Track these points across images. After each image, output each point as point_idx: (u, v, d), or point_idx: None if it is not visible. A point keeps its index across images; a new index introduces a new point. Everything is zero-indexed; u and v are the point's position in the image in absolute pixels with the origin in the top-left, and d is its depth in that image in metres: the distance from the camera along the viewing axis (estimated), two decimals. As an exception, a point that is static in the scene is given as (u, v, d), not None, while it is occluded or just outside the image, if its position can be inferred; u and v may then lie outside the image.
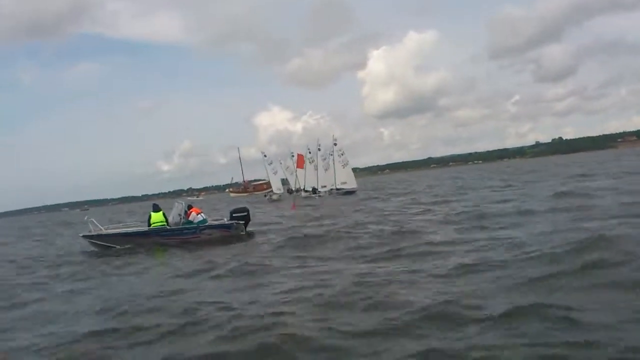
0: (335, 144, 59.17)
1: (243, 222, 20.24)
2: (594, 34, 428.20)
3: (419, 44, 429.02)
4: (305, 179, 62.61)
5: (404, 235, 15.48)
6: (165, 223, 19.55)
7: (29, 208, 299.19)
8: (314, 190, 58.67)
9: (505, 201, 23.54)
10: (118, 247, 18.96)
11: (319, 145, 61.48)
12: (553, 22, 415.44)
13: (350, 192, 55.37)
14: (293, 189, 64.00)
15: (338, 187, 57.27)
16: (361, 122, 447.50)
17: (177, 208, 20.70)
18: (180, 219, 19.98)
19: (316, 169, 60.19)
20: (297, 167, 51.08)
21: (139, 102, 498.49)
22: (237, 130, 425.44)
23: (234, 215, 20.41)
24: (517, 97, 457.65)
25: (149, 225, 19.56)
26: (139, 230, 19.86)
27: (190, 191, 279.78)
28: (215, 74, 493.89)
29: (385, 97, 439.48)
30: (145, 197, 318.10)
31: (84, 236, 19.92)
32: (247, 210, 20.81)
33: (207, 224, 19.97)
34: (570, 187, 26.51)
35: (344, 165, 59.08)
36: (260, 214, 32.52)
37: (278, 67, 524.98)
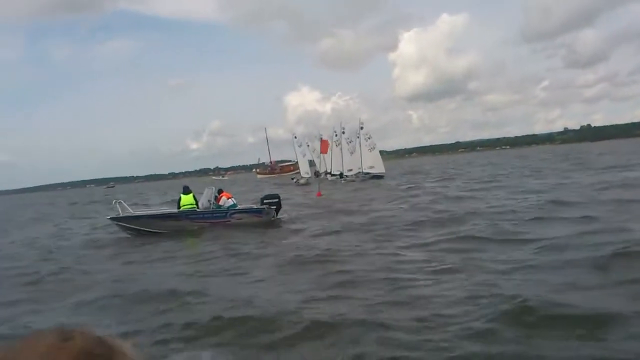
0: (361, 128, 58.05)
1: (274, 207, 19.80)
2: (627, 20, 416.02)
3: (451, 26, 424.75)
4: (332, 162, 61.89)
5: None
6: (195, 206, 19.10)
7: (56, 183, 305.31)
8: (341, 175, 58.05)
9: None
10: (147, 229, 18.47)
11: (343, 129, 60.74)
12: (587, 6, 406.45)
13: (378, 177, 54.62)
14: (320, 172, 63.03)
15: (365, 171, 56.36)
16: (390, 104, 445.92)
17: (207, 193, 20.21)
18: (210, 204, 19.56)
19: (342, 152, 59.60)
20: (321, 152, 49.86)
21: (170, 80, 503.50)
22: (266, 110, 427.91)
23: (265, 201, 20.06)
24: (546, 83, 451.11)
25: (179, 207, 19.12)
26: (168, 213, 19.45)
27: (217, 170, 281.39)
28: (247, 52, 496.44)
29: (416, 79, 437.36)
30: (171, 175, 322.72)
31: (111, 218, 19.37)
32: (279, 197, 20.36)
33: (237, 208, 19.63)
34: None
35: (371, 149, 57.95)
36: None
37: (309, 47, 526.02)
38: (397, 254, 11.38)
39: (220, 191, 20.27)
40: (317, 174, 62.51)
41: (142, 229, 18.50)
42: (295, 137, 66.24)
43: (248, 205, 20.92)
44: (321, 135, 63.45)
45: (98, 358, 0.94)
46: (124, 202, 19.61)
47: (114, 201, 19.87)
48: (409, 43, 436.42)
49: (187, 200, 19.11)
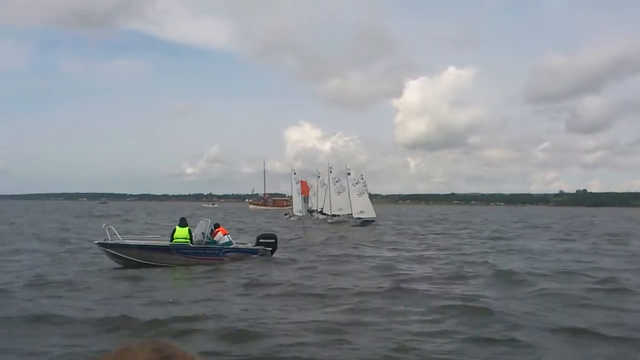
0: (348, 174, 57.65)
1: (270, 249, 19.16)
2: (634, 90, 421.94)
3: (457, 78, 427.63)
4: (323, 202, 61.71)
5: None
6: (189, 241, 18.23)
7: (49, 193, 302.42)
8: (322, 213, 58.62)
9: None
10: (135, 260, 17.55)
11: (331, 168, 60.70)
12: (594, 73, 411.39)
13: (368, 222, 54.22)
14: (313, 210, 62.75)
15: (356, 216, 55.92)
16: (389, 149, 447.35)
17: (202, 225, 19.51)
18: (204, 237, 18.78)
19: (329, 192, 59.65)
20: (301, 193, 49.51)
21: (174, 103, 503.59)
22: (266, 142, 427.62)
23: (261, 240, 19.53)
24: (546, 144, 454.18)
25: (172, 239, 18.28)
26: (160, 245, 18.44)
27: (210, 197, 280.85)
28: (253, 84, 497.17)
29: (417, 127, 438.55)
30: (164, 197, 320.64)
31: (99, 244, 18.14)
32: (275, 237, 19.90)
33: (232, 246, 18.86)
34: None
35: (360, 194, 57.61)
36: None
37: (315, 85, 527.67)
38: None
39: (217, 226, 19.54)
40: (310, 211, 62.22)
41: (130, 259, 17.56)
42: (295, 173, 64.74)
43: (242, 243, 20.08)
44: (319, 174, 63.32)
45: None
46: (113, 227, 18.60)
47: (104, 225, 18.81)
48: (414, 91, 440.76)
49: (181, 233, 18.25)
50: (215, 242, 18.65)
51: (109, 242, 17.85)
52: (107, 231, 18.02)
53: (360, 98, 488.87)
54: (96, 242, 18.45)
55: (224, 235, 18.93)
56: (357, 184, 57.30)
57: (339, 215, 57.73)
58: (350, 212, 57.20)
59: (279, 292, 13.14)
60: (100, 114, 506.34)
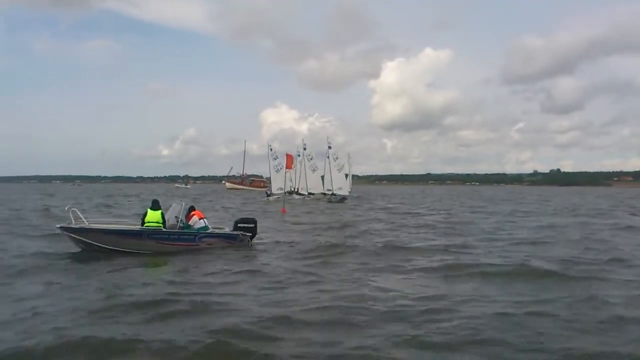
0: (329, 147, 57.23)
1: (250, 234, 17.86)
2: (607, 71, 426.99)
3: (434, 60, 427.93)
4: (298, 180, 60.96)
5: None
6: (161, 225, 16.61)
7: (22, 176, 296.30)
8: (298, 193, 58.18)
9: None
10: (102, 245, 15.92)
11: (305, 145, 60.12)
12: (569, 55, 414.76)
13: (344, 198, 54.33)
14: (290, 190, 61.34)
15: (333, 192, 56.04)
16: (366, 130, 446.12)
17: (175, 208, 18.00)
18: (178, 221, 17.32)
19: (305, 170, 59.67)
20: (286, 167, 48.38)
21: (149, 84, 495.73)
22: (242, 124, 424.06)
23: (239, 225, 18.01)
24: (521, 125, 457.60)
25: (143, 223, 16.63)
26: (129, 229, 16.70)
27: (186, 178, 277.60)
28: (230, 65, 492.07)
29: (394, 109, 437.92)
30: (139, 179, 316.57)
31: (61, 227, 16.18)
32: (255, 222, 18.35)
33: (208, 231, 17.40)
34: None
35: (339, 170, 57.24)
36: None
37: (293, 66, 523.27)
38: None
39: (192, 209, 17.97)
40: (290, 192, 60.50)
41: (96, 244, 15.92)
42: (271, 150, 63.03)
43: (219, 228, 18.62)
44: (299, 153, 62.13)
45: None
46: (77, 210, 16.87)
47: (67, 208, 16.90)
48: (391, 72, 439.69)
49: (153, 217, 16.58)
50: (189, 227, 17.18)
51: (73, 226, 16.10)
52: (70, 214, 16.32)
53: (338, 79, 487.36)
54: (58, 226, 16.44)
55: (199, 219, 17.42)
56: (337, 159, 57.00)
57: (313, 194, 57.75)
58: (330, 189, 57.24)
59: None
60: (74, 96, 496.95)
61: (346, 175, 61.65)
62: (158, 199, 17.87)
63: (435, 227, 26.34)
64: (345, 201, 52.83)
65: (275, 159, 61.24)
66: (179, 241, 16.64)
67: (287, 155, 48.14)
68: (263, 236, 19.87)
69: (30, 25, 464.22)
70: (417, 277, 12.73)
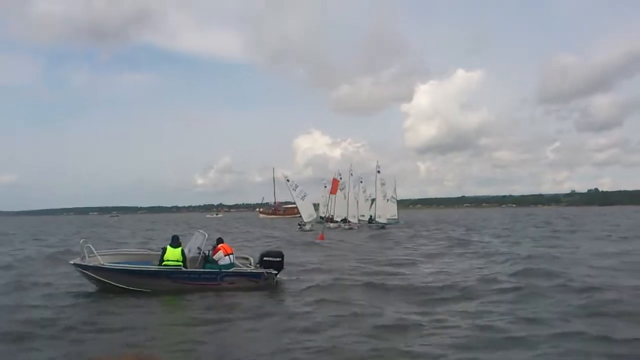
0: (378, 172, 54.93)
1: (275, 272, 16.32)
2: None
3: (467, 81, 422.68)
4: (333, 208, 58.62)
5: None
6: (181, 264, 15.39)
7: (60, 209, 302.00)
8: (344, 220, 55.53)
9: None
10: (116, 285, 14.90)
11: (351, 171, 57.66)
12: (605, 71, 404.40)
13: (386, 225, 52.34)
14: (326, 216, 59.09)
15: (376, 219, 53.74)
16: (400, 154, 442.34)
17: (197, 238, 16.81)
18: (199, 253, 16.17)
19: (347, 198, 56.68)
20: (330, 192, 46.30)
21: (184, 114, 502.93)
22: (276, 151, 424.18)
23: (264, 259, 16.42)
24: (557, 144, 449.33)
25: (161, 261, 15.38)
26: (147, 270, 15.44)
27: (220, 207, 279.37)
28: (264, 93, 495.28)
29: (427, 131, 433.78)
30: (174, 209, 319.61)
31: (75, 264, 15.30)
32: (282, 255, 16.70)
33: (231, 270, 15.96)
34: None
35: (384, 197, 54.93)
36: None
37: (326, 92, 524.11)
38: None
39: (220, 241, 16.71)
40: (323, 218, 58.47)
41: (110, 283, 14.90)
42: (288, 180, 59.39)
43: (244, 258, 17.42)
44: (341, 176, 59.90)
45: None
46: (91, 245, 15.79)
47: (81, 241, 15.92)
48: (423, 95, 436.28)
49: (173, 255, 15.37)
50: (213, 262, 15.97)
51: (87, 263, 15.10)
52: (84, 249, 15.30)
53: (371, 104, 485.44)
54: (72, 262, 15.48)
55: (225, 254, 16.07)
56: (383, 184, 54.98)
57: (349, 222, 55.16)
58: (374, 216, 55.44)
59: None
60: (111, 127, 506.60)
61: (387, 200, 59.50)
62: (182, 233, 16.74)
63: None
64: (386, 227, 50.91)
65: (295, 189, 57.72)
66: (199, 280, 15.36)
67: (333, 180, 46.73)
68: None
69: (69, 59, 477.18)
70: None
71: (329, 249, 28.93)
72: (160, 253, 15.77)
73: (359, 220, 56.50)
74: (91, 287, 15.40)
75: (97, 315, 12.35)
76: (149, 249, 17.96)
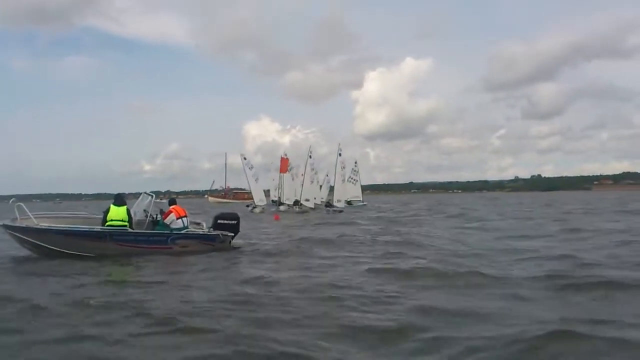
0: (340, 154, 53.59)
1: (232, 234, 15.34)
2: (587, 76, 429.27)
3: (415, 69, 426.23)
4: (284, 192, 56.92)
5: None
6: (127, 224, 14.07)
7: (1, 195, 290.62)
8: (295, 202, 53.75)
9: None
10: (53, 248, 13.32)
11: (310, 152, 55.61)
12: (550, 60, 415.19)
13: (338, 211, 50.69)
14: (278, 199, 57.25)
15: (334, 203, 52.32)
16: (349, 141, 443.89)
17: (142, 200, 15.53)
18: (147, 216, 14.87)
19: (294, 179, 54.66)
20: (280, 171, 44.54)
21: (130, 101, 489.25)
22: (226, 138, 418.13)
23: (219, 222, 15.37)
24: (503, 131, 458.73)
25: (104, 222, 13.95)
26: (88, 230, 13.86)
27: (169, 193, 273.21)
28: (213, 79, 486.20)
29: (376, 118, 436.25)
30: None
31: (4, 225, 13.47)
32: (238, 218, 15.71)
33: (183, 232, 14.78)
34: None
35: (344, 181, 53.68)
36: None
37: (275, 79, 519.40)
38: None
39: (172, 202, 15.44)
40: (275, 202, 56.82)
41: (46, 246, 13.32)
42: (245, 158, 56.42)
43: (196, 223, 16.10)
44: (286, 154, 58.35)
45: None
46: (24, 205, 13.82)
47: (11, 201, 13.93)
48: (372, 82, 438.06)
49: (118, 214, 13.94)
50: (164, 227, 14.72)
51: (19, 224, 13.37)
52: (15, 209, 13.46)
53: (321, 90, 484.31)
54: (0, 223, 13.64)
55: (178, 218, 14.79)
56: (343, 168, 53.59)
57: (301, 205, 53.20)
58: (328, 202, 54.28)
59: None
60: (54, 113, 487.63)
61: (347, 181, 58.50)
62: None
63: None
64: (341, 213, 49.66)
65: (251, 168, 55.20)
66: (147, 243, 14.12)
67: (282, 158, 45.06)
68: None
69: (8, 43, 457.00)
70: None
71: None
72: (102, 216, 14.29)
73: (314, 204, 54.79)
74: (24, 252, 13.80)
75: (28, 288, 10.83)
76: (90, 214, 16.21)
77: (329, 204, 52.62)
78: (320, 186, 56.04)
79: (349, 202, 60.43)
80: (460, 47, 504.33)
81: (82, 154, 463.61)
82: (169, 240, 14.32)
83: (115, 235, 13.74)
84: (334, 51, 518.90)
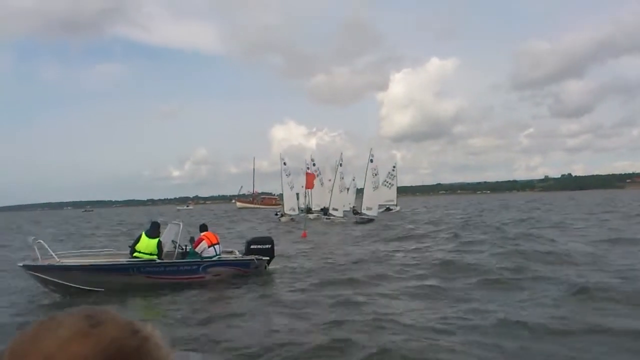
0: (371, 160, 50.92)
1: (267, 258, 14.30)
2: (616, 73, 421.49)
3: (441, 69, 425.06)
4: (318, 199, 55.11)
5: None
6: (156, 256, 12.94)
7: (34, 204, 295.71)
8: (324, 211, 51.60)
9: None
10: (77, 286, 12.17)
11: (341, 161, 53.20)
12: (577, 57, 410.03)
13: (370, 221, 47.93)
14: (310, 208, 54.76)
15: (363, 211, 49.59)
16: (375, 143, 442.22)
17: (170, 230, 14.53)
18: (175, 247, 13.83)
19: (333, 188, 52.08)
20: (305, 187, 42.41)
21: (159, 107, 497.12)
22: (252, 142, 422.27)
23: (252, 247, 14.29)
24: (531, 130, 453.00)
25: (132, 253, 12.96)
26: (112, 264, 12.73)
27: (196, 199, 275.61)
28: (240, 84, 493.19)
29: (402, 120, 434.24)
30: (150, 202, 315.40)
31: (24, 266, 12.27)
32: (272, 242, 14.64)
33: (215, 259, 13.70)
34: None
35: (375, 188, 50.89)
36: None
37: (302, 82, 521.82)
38: None
39: (203, 228, 14.26)
40: (309, 210, 54.28)
41: (70, 285, 12.17)
42: (285, 164, 54.27)
43: (228, 251, 15.02)
44: (308, 167, 56.39)
45: (129, 350, 0.78)
46: (43, 241, 12.73)
47: (31, 239, 12.63)
48: (398, 83, 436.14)
49: (147, 246, 12.88)
50: (195, 255, 13.67)
51: (39, 263, 12.18)
52: (35, 247, 12.36)
53: (347, 93, 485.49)
54: (20, 264, 12.43)
55: (210, 245, 13.70)
56: (376, 174, 50.68)
57: (332, 216, 50.72)
58: (354, 208, 52.23)
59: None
60: (84, 121, 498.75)
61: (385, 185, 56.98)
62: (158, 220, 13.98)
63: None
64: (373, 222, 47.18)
65: (288, 175, 53.38)
66: (178, 274, 13.05)
67: (307, 174, 42.96)
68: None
69: (40, 52, 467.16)
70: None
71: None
72: (130, 249, 13.31)
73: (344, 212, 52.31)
74: (46, 297, 12.82)
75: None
76: (116, 250, 15.21)
77: (356, 212, 50.46)
78: (347, 189, 54.04)
79: (388, 209, 58.77)
80: (486, 45, 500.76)
81: (112, 161, 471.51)
82: (200, 270, 13.28)
83: (143, 268, 12.71)
84: (359, 53, 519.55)
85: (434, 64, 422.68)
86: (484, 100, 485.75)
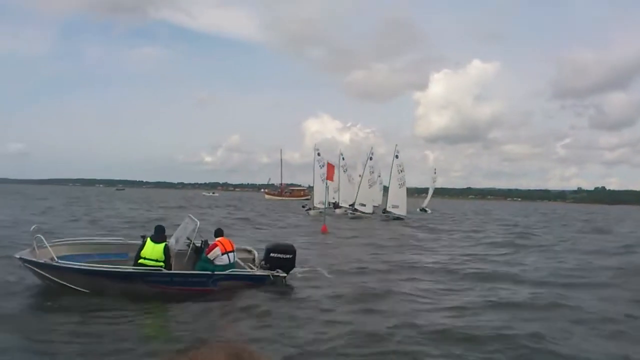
0: (396, 156, 49.21)
1: (285, 275, 12.68)
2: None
3: (482, 72, 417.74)
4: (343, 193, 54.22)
5: None
6: (163, 264, 11.65)
7: (66, 179, 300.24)
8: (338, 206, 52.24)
9: None
10: (75, 287, 11.09)
11: (371, 154, 51.59)
12: (624, 69, 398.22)
13: (398, 219, 46.58)
14: (337, 202, 53.96)
15: (389, 209, 48.17)
16: (409, 142, 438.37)
17: (187, 226, 13.13)
18: (189, 245, 12.64)
19: (360, 183, 51.07)
20: (326, 178, 40.82)
21: (196, 91, 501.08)
22: (285, 133, 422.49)
23: (271, 255, 12.79)
24: (568, 140, 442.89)
25: (137, 259, 11.69)
26: (115, 271, 11.33)
27: (226, 185, 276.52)
28: (278, 74, 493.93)
29: (439, 121, 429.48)
30: (180, 185, 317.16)
31: (22, 259, 11.10)
32: (294, 251, 13.02)
33: (227, 272, 12.16)
34: None
35: (400, 186, 49.10)
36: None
37: (340, 76, 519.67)
38: None
39: (219, 233, 12.87)
40: (335, 205, 53.46)
41: (68, 285, 11.09)
42: (319, 154, 52.44)
43: (247, 250, 13.94)
44: (341, 156, 54.92)
45: None
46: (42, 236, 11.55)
47: (32, 227, 11.65)
48: (437, 84, 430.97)
49: (153, 252, 11.60)
50: (206, 261, 12.27)
51: (38, 260, 11.10)
52: (34, 242, 11.33)
53: (384, 90, 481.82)
54: (18, 255, 11.21)
55: (223, 253, 12.31)
56: (401, 171, 48.91)
57: (357, 211, 49.07)
58: (381, 204, 50.94)
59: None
60: (121, 101, 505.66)
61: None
62: (162, 224, 12.61)
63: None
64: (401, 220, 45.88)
65: (322, 167, 50.24)
66: (185, 285, 11.72)
67: (328, 164, 41.62)
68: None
69: (85, 30, 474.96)
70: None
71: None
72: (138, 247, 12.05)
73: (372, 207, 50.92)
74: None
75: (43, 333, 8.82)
76: (126, 240, 13.91)
77: (385, 210, 48.90)
78: (370, 185, 52.12)
79: (423, 210, 59.47)
80: (530, 51, 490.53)
81: (146, 142, 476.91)
82: (209, 282, 11.90)
83: (147, 277, 11.39)
84: (399, 51, 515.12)
85: (476, 67, 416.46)
86: (523, 106, 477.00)
